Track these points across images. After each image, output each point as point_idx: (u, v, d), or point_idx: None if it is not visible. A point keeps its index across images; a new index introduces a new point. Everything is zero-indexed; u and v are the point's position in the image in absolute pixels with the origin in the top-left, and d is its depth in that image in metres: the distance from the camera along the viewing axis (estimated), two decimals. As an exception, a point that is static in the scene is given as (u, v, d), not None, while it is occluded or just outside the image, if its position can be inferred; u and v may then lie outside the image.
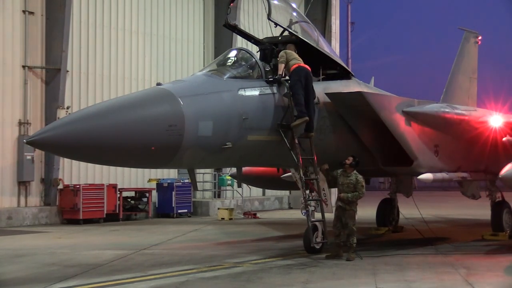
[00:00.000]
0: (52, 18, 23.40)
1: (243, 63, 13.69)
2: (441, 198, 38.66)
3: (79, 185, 23.33)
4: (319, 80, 15.12)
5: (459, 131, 17.13)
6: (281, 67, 13.90)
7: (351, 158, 14.05)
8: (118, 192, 24.32)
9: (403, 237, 18.79)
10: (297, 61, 13.96)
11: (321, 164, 14.51)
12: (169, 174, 27.29)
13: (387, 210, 19.85)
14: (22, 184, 22.83)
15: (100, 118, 10.91)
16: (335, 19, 34.54)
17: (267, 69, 13.85)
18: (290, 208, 32.08)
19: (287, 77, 13.93)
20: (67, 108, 23.30)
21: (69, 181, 23.81)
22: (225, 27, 14.93)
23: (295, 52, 14.23)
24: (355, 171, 14.02)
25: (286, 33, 14.72)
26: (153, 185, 26.14)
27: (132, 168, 24.31)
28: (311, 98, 13.97)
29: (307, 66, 14.03)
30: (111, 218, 23.85)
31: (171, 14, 28.50)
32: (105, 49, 25.72)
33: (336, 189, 14.52)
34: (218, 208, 26.32)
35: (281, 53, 14.05)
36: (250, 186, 25.74)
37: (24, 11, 22.99)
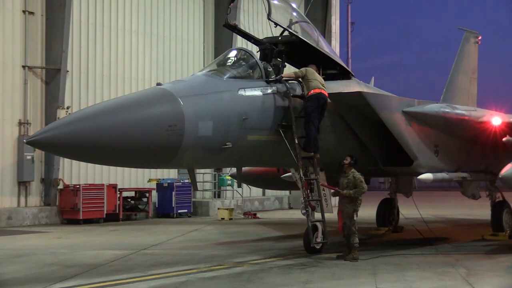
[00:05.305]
0: (52, 18, 23.42)
1: (243, 63, 13.69)
2: (441, 198, 38.65)
3: (79, 185, 23.34)
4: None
5: (459, 131, 17.12)
6: (291, 74, 14.07)
7: (348, 158, 14.10)
8: (118, 192, 24.33)
9: (403, 237, 18.78)
10: (319, 84, 13.99)
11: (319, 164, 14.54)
12: (169, 174, 27.29)
13: (387, 210, 19.85)
14: (22, 184, 22.84)
15: (100, 118, 10.90)
16: (335, 19, 34.64)
17: (269, 69, 13.85)
18: (290, 208, 32.09)
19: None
20: (67, 108, 23.32)
21: (69, 181, 23.82)
22: (225, 27, 14.92)
23: (316, 72, 14.30)
24: (352, 170, 14.04)
25: (286, 33, 14.71)
26: (153, 185, 26.16)
27: (132, 168, 24.33)
28: (321, 122, 14.20)
29: (325, 92, 14.10)
30: (111, 218, 23.86)
31: (171, 14, 28.51)
32: (105, 49, 25.73)
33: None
34: (218, 208, 26.31)
35: (302, 69, 14.17)
36: (250, 186, 25.74)
37: (24, 11, 23.01)
